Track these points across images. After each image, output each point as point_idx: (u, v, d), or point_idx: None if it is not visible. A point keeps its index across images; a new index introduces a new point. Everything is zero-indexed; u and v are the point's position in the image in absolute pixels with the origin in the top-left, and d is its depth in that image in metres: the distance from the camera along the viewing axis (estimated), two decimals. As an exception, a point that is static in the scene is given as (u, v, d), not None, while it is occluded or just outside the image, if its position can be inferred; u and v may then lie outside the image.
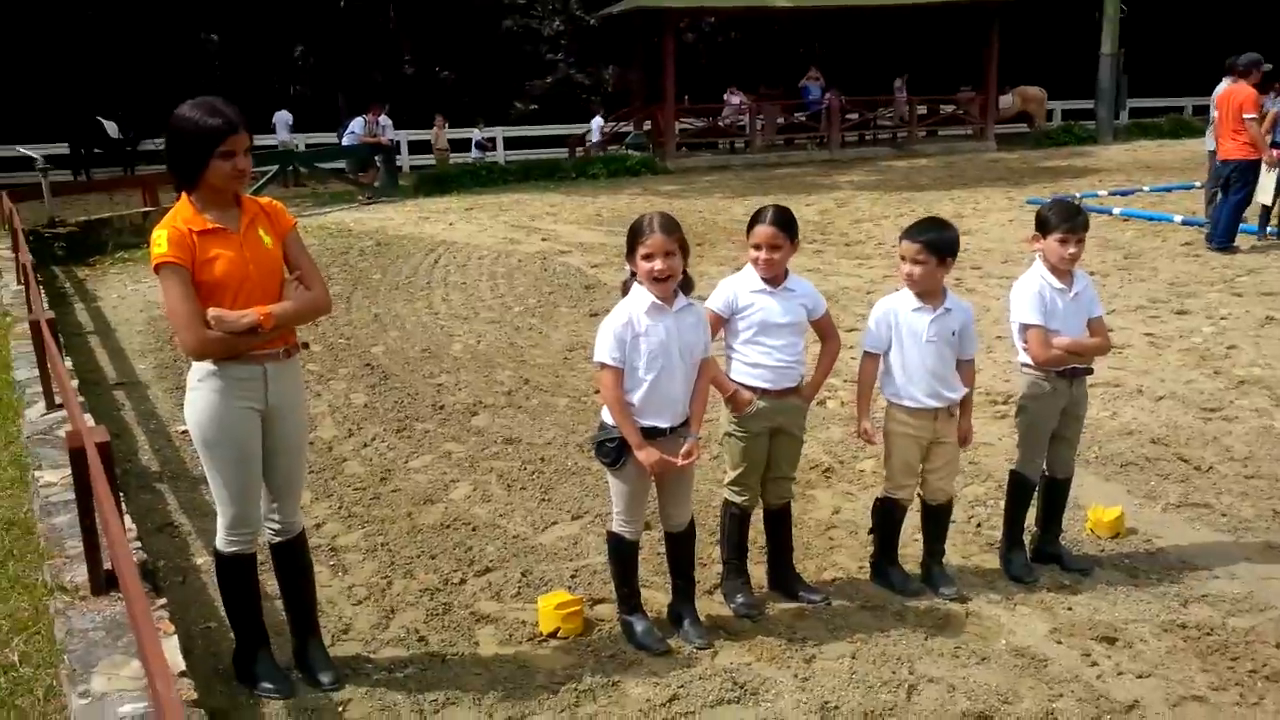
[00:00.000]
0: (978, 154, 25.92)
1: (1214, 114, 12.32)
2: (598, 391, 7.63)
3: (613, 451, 3.97)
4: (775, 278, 4.30)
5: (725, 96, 27.33)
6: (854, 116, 27.78)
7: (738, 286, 4.32)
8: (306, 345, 3.91)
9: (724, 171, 24.09)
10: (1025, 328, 4.53)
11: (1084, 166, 22.18)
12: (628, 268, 4.03)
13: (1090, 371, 4.68)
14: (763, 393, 4.30)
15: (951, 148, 27.21)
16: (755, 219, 4.33)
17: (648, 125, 26.37)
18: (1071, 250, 4.46)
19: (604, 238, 14.68)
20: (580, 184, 22.05)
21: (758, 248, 4.28)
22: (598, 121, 26.58)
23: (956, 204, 16.56)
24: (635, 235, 3.93)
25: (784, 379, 4.31)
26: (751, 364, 4.31)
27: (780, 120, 27.39)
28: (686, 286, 4.03)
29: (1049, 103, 30.34)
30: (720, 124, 27.43)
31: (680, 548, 4.24)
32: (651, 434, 3.95)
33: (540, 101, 33.21)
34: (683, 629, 4.20)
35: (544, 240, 14.59)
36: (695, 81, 29.64)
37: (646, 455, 3.92)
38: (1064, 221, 4.46)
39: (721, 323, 4.35)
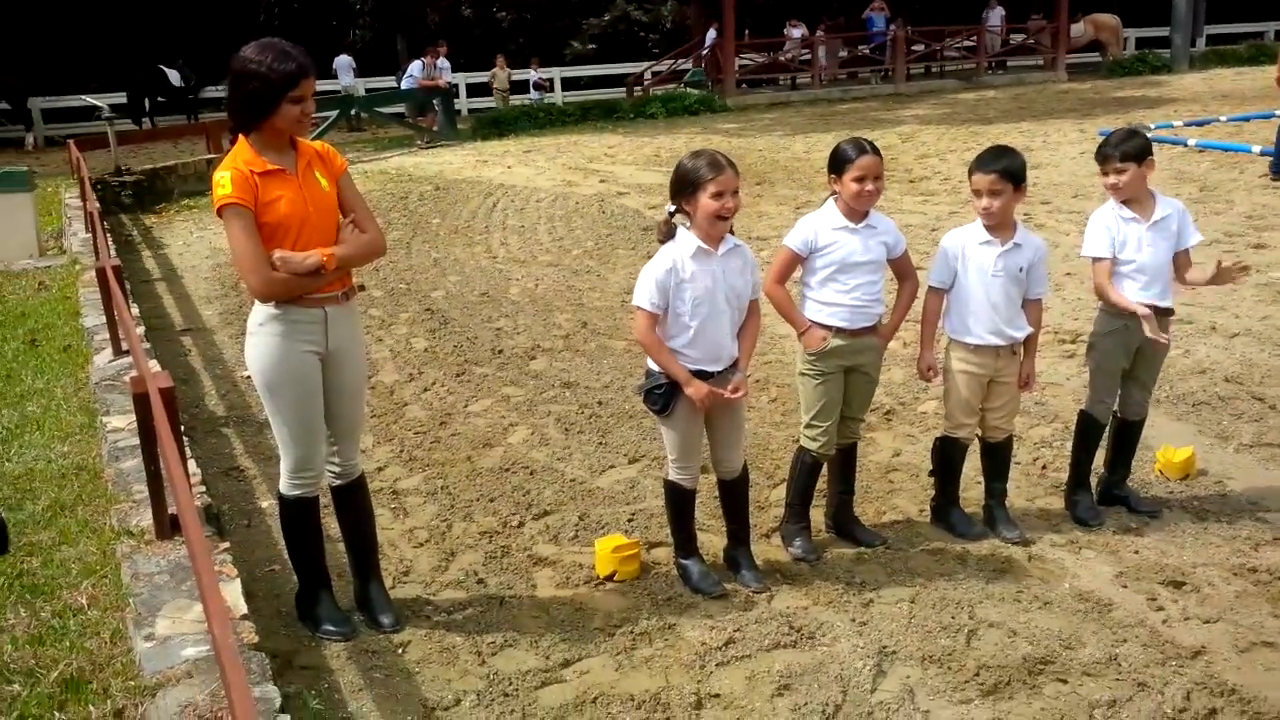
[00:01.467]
0: (1048, 85, 25.20)
1: None
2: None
3: (661, 398, 3.92)
4: (865, 213, 4.19)
5: (785, 30, 26.77)
6: (920, 48, 27.09)
7: (819, 224, 4.20)
8: (363, 288, 3.92)
9: (785, 108, 23.70)
10: (1094, 261, 4.38)
11: (1158, 97, 21.46)
12: (669, 209, 3.93)
13: (1171, 312, 4.50)
14: (838, 331, 4.20)
15: (1021, 79, 26.49)
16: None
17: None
18: (1110, 180, 4.30)
19: (662, 179, 14.48)
20: (638, 124, 21.85)
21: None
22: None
23: (1026, 137, 16.13)
24: (695, 174, 3.80)
25: (860, 318, 4.21)
26: (827, 302, 4.20)
27: (843, 54, 26.81)
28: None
29: (1123, 30, 29.28)
30: (781, 59, 26.91)
31: (734, 494, 4.21)
32: (699, 376, 3.90)
33: (598, 41, 32.85)
34: (739, 574, 4.18)
35: (602, 182, 14.49)
36: (755, 15, 29.08)
37: (695, 390, 3.86)
38: (1100, 151, 4.33)
39: (798, 262, 4.25)
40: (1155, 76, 25.68)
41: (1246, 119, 16.64)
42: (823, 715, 3.37)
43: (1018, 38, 28.30)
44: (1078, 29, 27.31)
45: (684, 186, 3.84)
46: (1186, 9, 26.66)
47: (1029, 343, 4.39)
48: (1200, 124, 16.32)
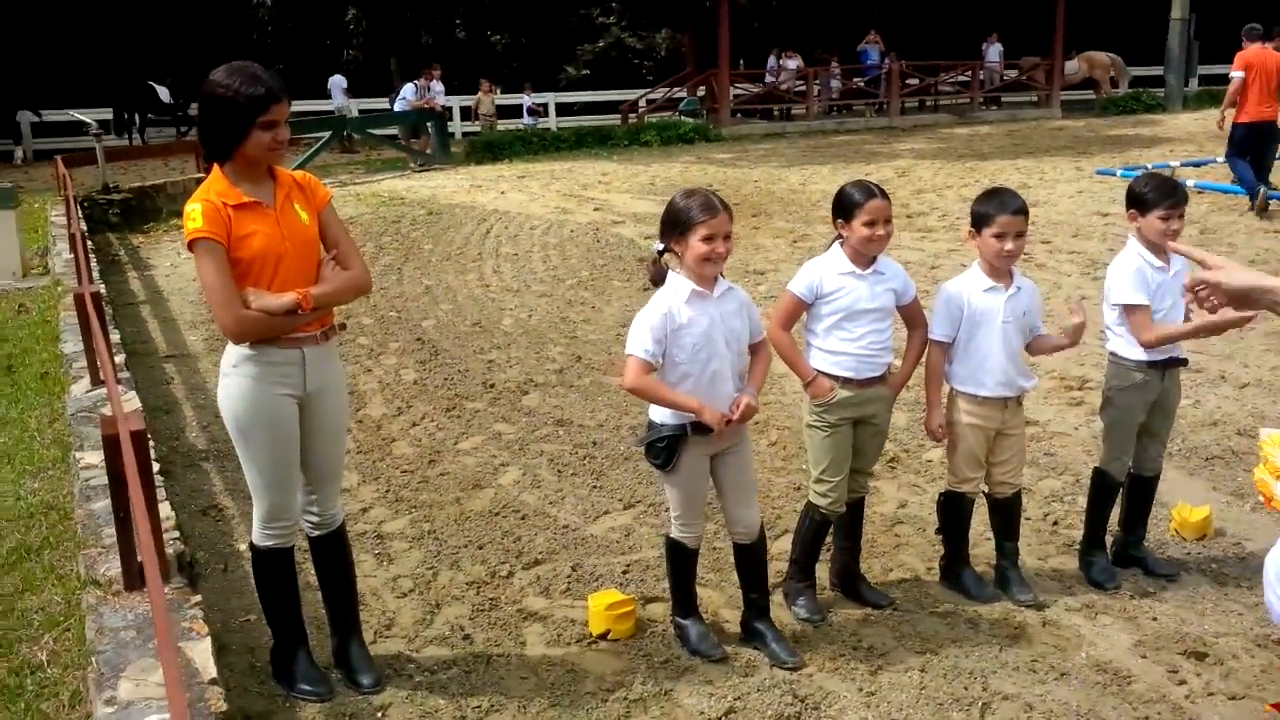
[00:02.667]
0: (1042, 121, 25.20)
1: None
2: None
3: (664, 452, 3.72)
4: (872, 259, 4.02)
5: (781, 61, 26.77)
6: (914, 82, 27.10)
7: (824, 269, 4.02)
8: (344, 326, 3.71)
9: (779, 139, 23.64)
10: (1128, 309, 4.19)
11: (1153, 136, 21.45)
12: (657, 248, 3.73)
13: (1185, 362, 4.35)
14: (845, 382, 4.02)
15: (1015, 115, 26.49)
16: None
17: (701, 91, 25.91)
18: (1175, 226, 4.13)
19: (657, 208, 14.30)
20: (633, 151, 21.74)
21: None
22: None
23: (1022, 174, 16.05)
24: (686, 215, 3.61)
25: (868, 368, 4.03)
26: (832, 351, 4.02)
27: (835, 83, 26.80)
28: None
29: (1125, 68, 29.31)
30: (776, 89, 26.87)
31: (752, 559, 3.96)
32: (702, 429, 3.69)
33: (591, 66, 32.84)
34: (768, 647, 3.89)
35: (596, 210, 14.34)
36: (750, 46, 29.10)
37: (710, 415, 3.62)
38: (1166, 198, 4.14)
39: (803, 308, 4.06)
40: (1149, 115, 25.70)
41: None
42: (830, 797, 3.17)
43: (1012, 74, 28.34)
44: (1072, 66, 27.36)
45: (674, 226, 3.66)
46: (1180, 49, 26.74)
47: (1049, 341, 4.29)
48: (1197, 164, 16.25)
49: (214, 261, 3.30)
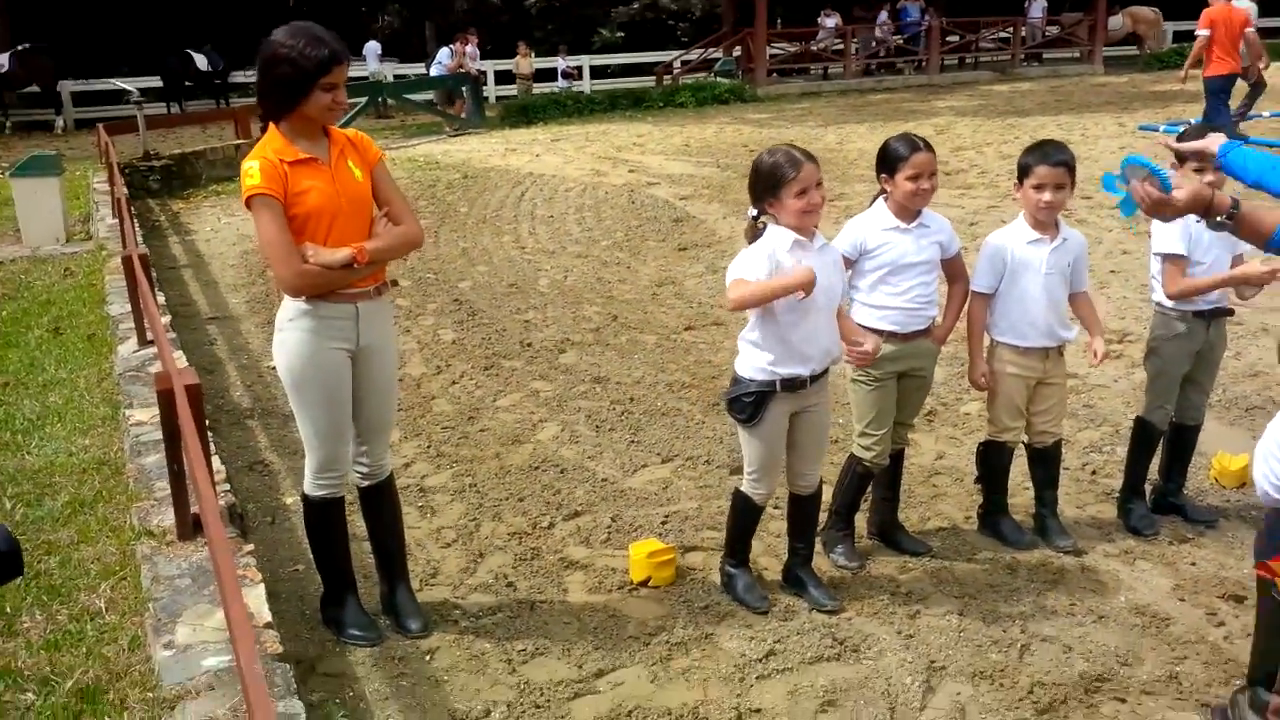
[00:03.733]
0: (1084, 78, 24.81)
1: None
2: (689, 328, 7.48)
3: (749, 407, 3.71)
4: (917, 212, 4.00)
5: (819, 19, 26.48)
6: (954, 39, 26.73)
7: (867, 226, 4.02)
8: (396, 283, 3.76)
9: (816, 98, 23.44)
10: (1165, 258, 4.16)
11: (1197, 91, 20.99)
12: (751, 213, 3.72)
13: (1230, 313, 4.32)
14: (890, 336, 4.01)
15: (1056, 71, 26.10)
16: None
17: (738, 51, 25.70)
18: (1209, 178, 4.07)
19: (692, 169, 14.37)
20: (667, 113, 21.66)
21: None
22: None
23: (1064, 130, 15.82)
24: (776, 173, 3.57)
25: (914, 321, 4.04)
26: (878, 306, 4.02)
27: (876, 43, 26.51)
28: None
29: (1163, 23, 28.77)
30: (813, 49, 26.61)
31: (806, 510, 3.99)
32: (792, 384, 3.70)
33: (626, 29, 32.62)
34: (808, 592, 3.94)
35: (631, 172, 14.32)
36: (787, 4, 28.79)
37: (803, 272, 3.52)
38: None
39: (847, 266, 4.06)
40: (1194, 70, 25.16)
41: (1290, 112, 16.28)
42: (869, 735, 3.22)
43: (1054, 29, 27.88)
44: (1115, 22, 26.88)
45: (766, 187, 3.62)
46: (1226, 0, 26.14)
47: (1094, 323, 4.23)
48: (1246, 117, 15.95)
49: (272, 217, 3.35)
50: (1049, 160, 3.98)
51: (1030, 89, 23.12)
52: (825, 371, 3.79)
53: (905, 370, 4.09)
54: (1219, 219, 2.79)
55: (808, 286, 3.53)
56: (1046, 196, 3.98)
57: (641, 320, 7.69)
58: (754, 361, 3.71)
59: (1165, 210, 2.88)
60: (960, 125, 17.40)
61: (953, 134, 16.37)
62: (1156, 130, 14.92)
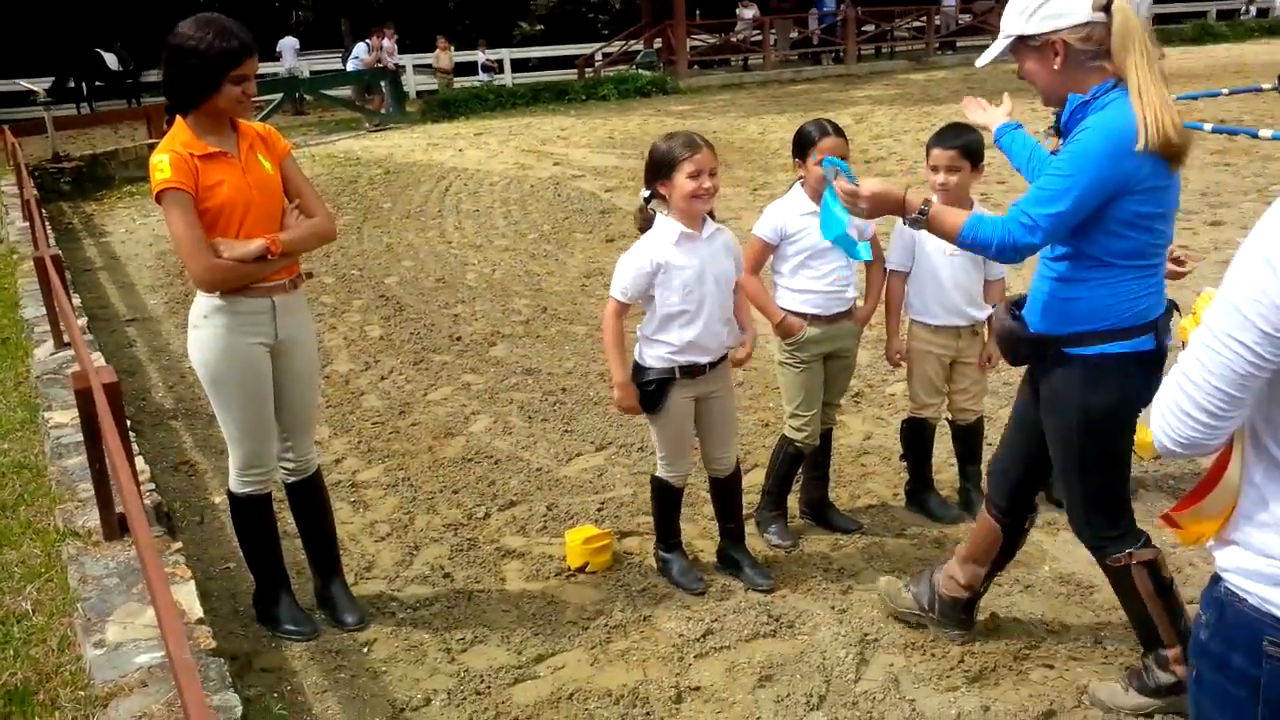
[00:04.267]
0: (998, 66, 25.15)
1: None
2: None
3: (652, 395, 3.77)
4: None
5: (737, 10, 26.67)
6: (870, 28, 27.10)
7: (787, 211, 4.08)
8: (311, 274, 3.72)
9: (737, 90, 23.59)
10: None
11: (1106, 75, 21.59)
12: (644, 195, 3.76)
13: None
14: (813, 319, 4.09)
15: (969, 59, 26.46)
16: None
17: (659, 43, 25.77)
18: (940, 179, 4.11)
19: (617, 160, 14.39)
20: (590, 106, 21.66)
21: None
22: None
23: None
24: (670, 155, 3.62)
25: (835, 304, 4.11)
26: (800, 290, 4.10)
27: (794, 35, 26.76)
28: (710, 212, 3.80)
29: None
30: (733, 40, 26.79)
31: (727, 491, 4.04)
32: (692, 371, 3.75)
33: (546, 21, 32.53)
34: (743, 573, 3.99)
35: (556, 165, 14.30)
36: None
37: (622, 394, 3.76)
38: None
39: (770, 250, 4.12)
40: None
41: (1194, 97, 16.80)
42: (807, 706, 3.28)
43: (966, 18, 28.40)
44: (1025, 9, 27.42)
45: (659, 169, 3.66)
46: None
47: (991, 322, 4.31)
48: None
49: (183, 211, 3.30)
50: (943, 144, 4.05)
51: (945, 77, 23.54)
52: (724, 358, 3.85)
53: (830, 352, 4.17)
54: (911, 218, 2.97)
55: (622, 407, 3.81)
56: (940, 178, 4.06)
57: (571, 312, 7.70)
58: (653, 351, 3.77)
59: (856, 202, 3.05)
60: (878, 114, 17.65)
61: (871, 122, 16.61)
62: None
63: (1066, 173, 2.75)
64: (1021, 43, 2.87)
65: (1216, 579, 1.74)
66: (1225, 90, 17.09)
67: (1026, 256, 2.88)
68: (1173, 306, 2.99)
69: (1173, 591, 3.16)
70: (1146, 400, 2.81)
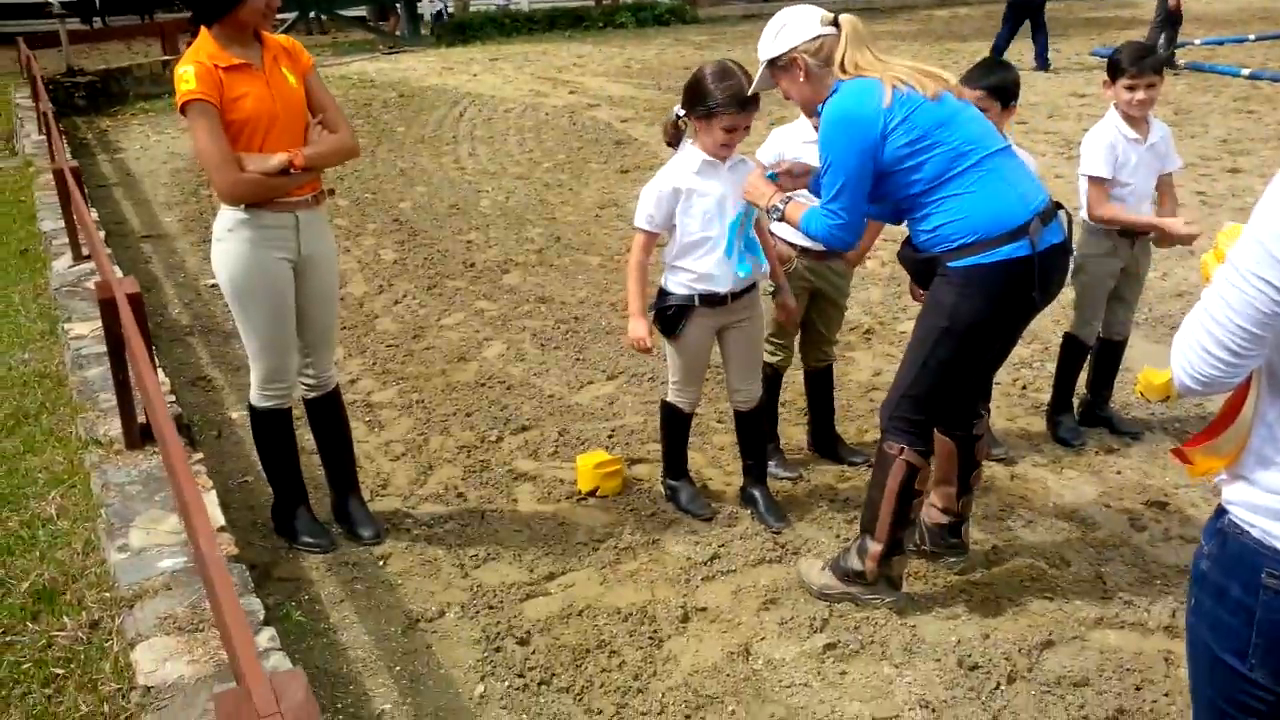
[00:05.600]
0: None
1: None
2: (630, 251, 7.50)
3: (671, 320, 3.80)
4: None
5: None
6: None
7: (789, 139, 4.05)
8: (333, 192, 3.74)
9: (758, 20, 23.21)
10: (1090, 180, 4.29)
11: (1131, 17, 21.27)
12: (677, 111, 3.72)
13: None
14: (803, 252, 4.11)
15: (995, -4, 26.10)
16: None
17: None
18: (1140, 96, 4.19)
19: (634, 91, 14.27)
20: (607, 34, 21.40)
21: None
22: None
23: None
24: (714, 101, 3.53)
25: None
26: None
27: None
28: None
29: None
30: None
31: (751, 426, 4.05)
32: (711, 301, 3.77)
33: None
34: (758, 510, 4.04)
35: (571, 93, 14.19)
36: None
37: (634, 329, 3.80)
38: (1132, 64, 4.18)
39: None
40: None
41: (1221, 42, 16.58)
42: (810, 629, 3.36)
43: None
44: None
45: (699, 104, 3.59)
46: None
47: None
48: (1177, 46, 16.20)
49: (208, 123, 3.31)
50: (970, 83, 3.94)
51: (968, 14, 23.18)
52: (752, 286, 3.86)
53: (818, 289, 4.20)
54: (771, 210, 3.40)
55: (634, 346, 3.85)
56: None
57: (585, 242, 7.71)
58: (675, 278, 3.80)
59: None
60: (900, 50, 17.42)
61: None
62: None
63: (827, 161, 3.13)
64: (772, 66, 3.28)
65: (1221, 512, 1.78)
66: (1252, 36, 16.85)
67: (853, 240, 3.25)
68: (1056, 207, 3.20)
69: (913, 504, 3.38)
70: (1014, 316, 3.20)
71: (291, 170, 3.41)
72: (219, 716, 1.60)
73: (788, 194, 3.41)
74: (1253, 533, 1.71)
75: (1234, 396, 1.75)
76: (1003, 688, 3.09)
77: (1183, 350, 1.68)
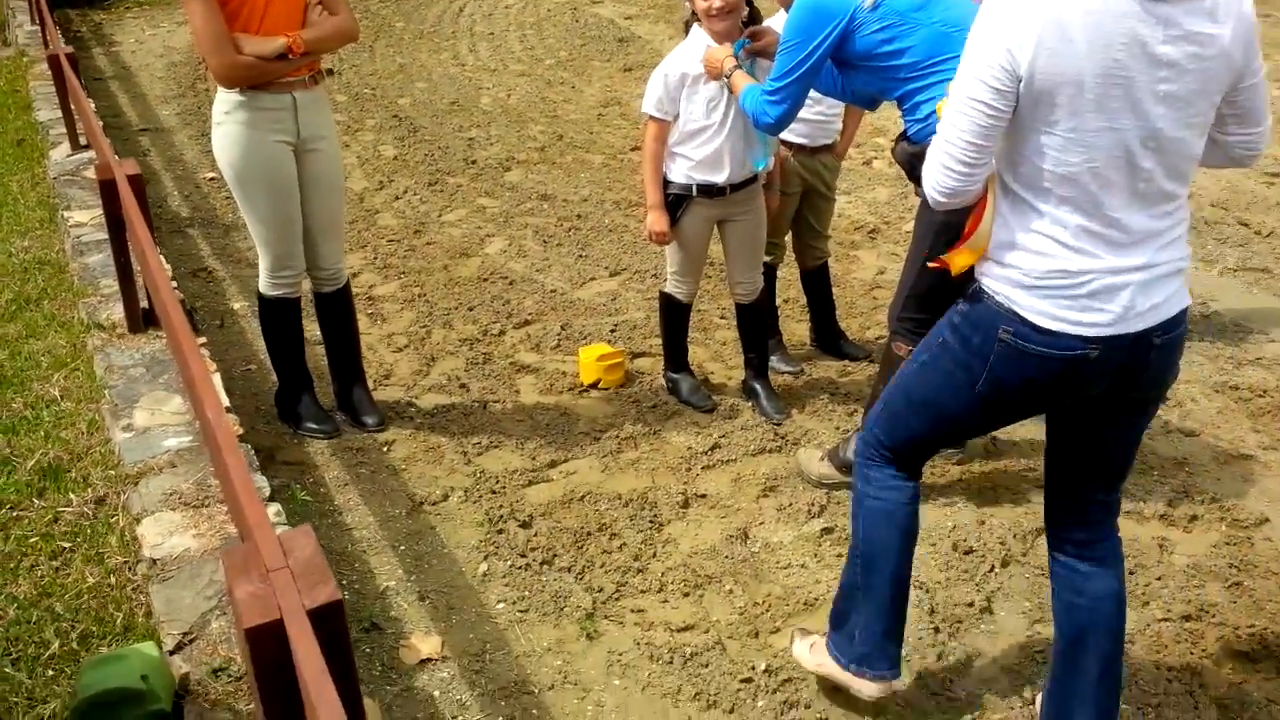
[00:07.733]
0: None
1: None
2: (635, 148, 7.45)
3: (669, 207, 3.78)
4: None
5: None
6: None
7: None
8: (332, 72, 3.68)
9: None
10: None
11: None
12: (687, 5, 3.70)
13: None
14: (798, 149, 4.09)
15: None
16: None
17: None
18: None
19: (637, -11, 13.97)
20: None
21: None
22: None
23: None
24: None
25: (821, 135, 4.11)
26: None
27: None
28: (754, 19, 3.71)
29: None
30: None
31: (752, 318, 4.06)
32: (709, 191, 3.74)
33: None
34: (759, 403, 4.05)
35: (574, -10, 13.89)
36: None
37: (654, 220, 3.78)
38: None
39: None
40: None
41: None
42: (808, 514, 3.40)
43: None
44: None
45: None
46: None
47: None
48: None
49: (205, 5, 3.24)
50: None
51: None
52: (752, 179, 3.83)
53: (811, 186, 4.18)
54: (722, 80, 3.52)
55: (652, 237, 3.82)
56: None
57: (587, 140, 7.62)
58: (676, 165, 3.77)
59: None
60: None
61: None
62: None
63: (787, 42, 3.08)
64: None
65: (977, 285, 2.19)
66: None
67: (778, 128, 3.27)
68: None
69: None
70: None
71: (290, 55, 3.35)
72: (227, 572, 1.62)
73: (740, 65, 3.46)
74: (997, 298, 2.12)
75: (978, 207, 2.14)
76: (996, 570, 3.14)
77: (929, 173, 2.10)
